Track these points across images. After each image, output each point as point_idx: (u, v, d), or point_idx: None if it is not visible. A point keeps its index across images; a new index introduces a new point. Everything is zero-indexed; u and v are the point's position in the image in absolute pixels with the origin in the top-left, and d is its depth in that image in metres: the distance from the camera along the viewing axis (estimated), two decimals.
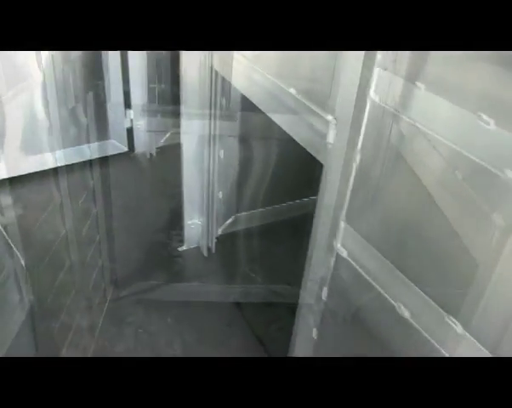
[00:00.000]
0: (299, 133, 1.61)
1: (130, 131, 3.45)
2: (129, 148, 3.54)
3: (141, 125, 3.44)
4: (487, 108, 0.81)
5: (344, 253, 1.28)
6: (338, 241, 1.28)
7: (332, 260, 1.33)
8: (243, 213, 2.94)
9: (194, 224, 2.80)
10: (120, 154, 3.54)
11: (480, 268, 0.91)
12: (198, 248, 2.89)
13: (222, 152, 2.58)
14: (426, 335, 1.07)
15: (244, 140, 2.62)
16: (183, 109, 2.39)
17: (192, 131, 2.44)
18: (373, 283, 1.20)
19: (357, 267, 1.24)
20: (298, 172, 2.49)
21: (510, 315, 0.87)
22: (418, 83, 0.93)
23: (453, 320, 1.00)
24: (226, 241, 2.92)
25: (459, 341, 0.99)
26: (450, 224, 0.95)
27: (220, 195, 2.73)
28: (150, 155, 3.55)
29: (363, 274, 1.23)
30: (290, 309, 1.81)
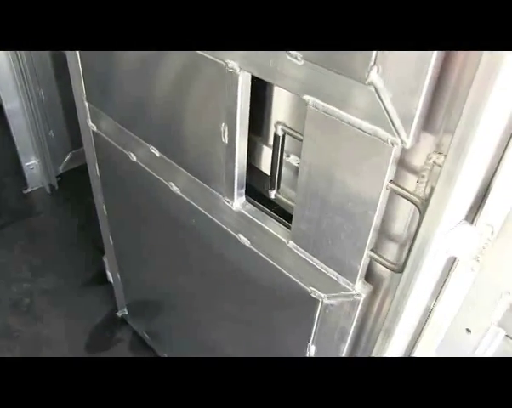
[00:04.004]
0: None
1: None
2: None
3: None
4: None
5: (95, 128, 1.58)
6: (89, 119, 1.58)
7: (91, 137, 1.63)
8: (81, 149, 3.15)
9: (33, 165, 2.99)
10: None
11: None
12: (43, 188, 3.09)
13: (42, 92, 2.77)
14: (153, 173, 1.40)
15: (62, 77, 2.81)
16: None
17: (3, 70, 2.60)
18: (117, 146, 1.51)
19: (105, 136, 1.55)
20: None
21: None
22: None
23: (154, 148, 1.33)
24: (69, 178, 3.14)
25: (181, 175, 1.31)
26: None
27: (52, 133, 2.93)
28: None
29: (110, 140, 1.53)
30: None
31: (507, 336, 0.89)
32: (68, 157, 3.09)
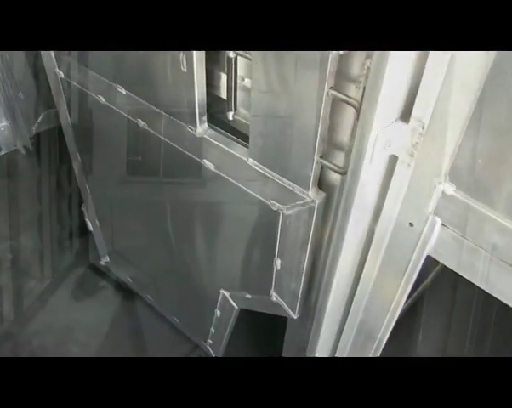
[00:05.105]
0: None
1: None
2: None
3: None
4: None
5: (62, 74, 1.63)
6: (56, 67, 1.63)
7: (60, 85, 1.68)
8: (53, 110, 3.17)
9: (3, 127, 3.02)
10: None
11: None
12: (17, 150, 3.12)
13: (7, 54, 2.77)
14: (122, 112, 1.47)
15: None
16: None
17: None
18: (86, 90, 1.57)
19: (73, 82, 1.61)
20: None
21: None
22: None
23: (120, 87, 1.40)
24: (43, 139, 3.17)
25: (147, 110, 1.38)
26: None
27: (21, 95, 2.94)
28: None
29: (78, 86, 1.59)
30: None
31: (443, 225, 1.00)
32: (40, 118, 3.11)
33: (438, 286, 2.23)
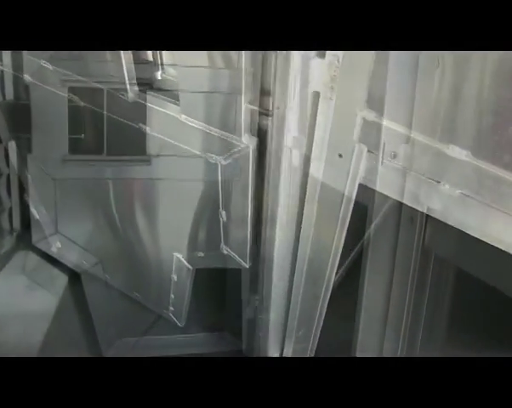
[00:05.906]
0: None
1: None
2: None
3: None
4: None
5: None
6: None
7: None
8: None
9: None
10: None
11: None
12: None
13: None
14: (50, 88, 1.46)
15: None
16: None
17: None
18: (9, 70, 1.55)
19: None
20: None
21: None
22: None
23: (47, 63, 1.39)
24: None
25: (76, 83, 1.37)
26: None
27: None
28: None
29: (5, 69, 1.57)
30: None
31: (369, 151, 1.07)
32: None
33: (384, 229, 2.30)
